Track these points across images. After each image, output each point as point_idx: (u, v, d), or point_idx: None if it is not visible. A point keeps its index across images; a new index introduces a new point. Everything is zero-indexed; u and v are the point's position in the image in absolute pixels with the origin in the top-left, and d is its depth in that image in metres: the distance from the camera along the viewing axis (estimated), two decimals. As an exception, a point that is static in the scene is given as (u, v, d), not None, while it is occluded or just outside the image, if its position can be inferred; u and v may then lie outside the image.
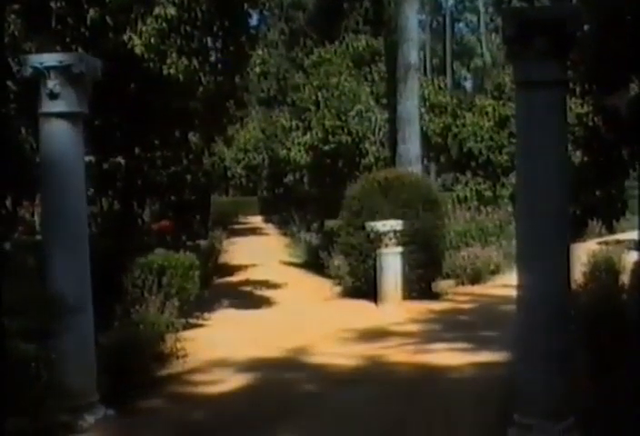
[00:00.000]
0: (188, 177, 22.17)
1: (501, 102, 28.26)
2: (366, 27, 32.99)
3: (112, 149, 14.77)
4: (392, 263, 15.28)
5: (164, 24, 12.62)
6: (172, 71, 12.91)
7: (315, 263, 20.78)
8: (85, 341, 7.17)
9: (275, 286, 18.06)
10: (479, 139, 27.68)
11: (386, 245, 15.22)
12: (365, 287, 15.93)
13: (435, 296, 16.06)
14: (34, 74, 7.16)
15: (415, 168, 21.49)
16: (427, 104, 27.14)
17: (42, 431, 6.11)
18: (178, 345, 10.10)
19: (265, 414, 8.15)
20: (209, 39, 14.79)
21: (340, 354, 10.74)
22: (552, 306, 6.32)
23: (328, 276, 18.50)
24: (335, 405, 8.48)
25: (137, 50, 12.45)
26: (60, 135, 7.14)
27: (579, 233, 22.22)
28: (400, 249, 15.32)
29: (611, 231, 24.82)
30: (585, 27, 9.97)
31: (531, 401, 6.41)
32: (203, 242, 21.72)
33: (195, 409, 8.46)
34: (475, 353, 10.62)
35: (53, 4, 12.06)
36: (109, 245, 11.64)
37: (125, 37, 12.53)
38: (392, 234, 15.19)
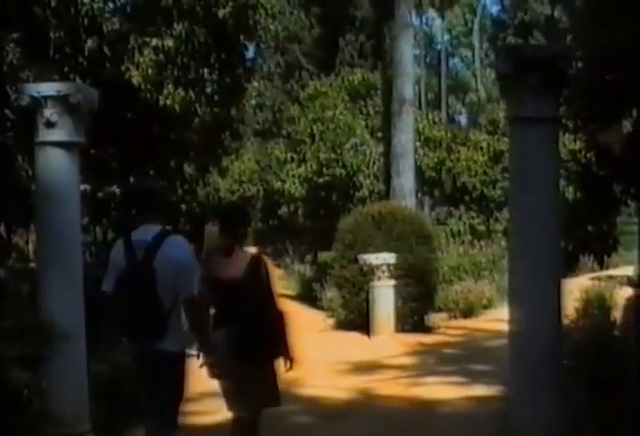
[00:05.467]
0: (183, 207, 22.21)
1: (495, 137, 28.38)
2: (361, 61, 33.30)
3: (107, 178, 14.82)
4: (385, 296, 15.28)
5: (161, 56, 12.73)
6: (168, 102, 13.01)
7: (308, 295, 20.77)
8: (77, 370, 7.13)
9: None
10: (473, 174, 27.76)
11: (379, 278, 15.23)
12: (357, 320, 15.92)
13: (427, 329, 16.03)
14: (31, 103, 7.16)
15: (409, 202, 21.54)
16: (422, 138, 27.27)
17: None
18: (170, 375, 10.06)
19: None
20: (206, 71, 14.92)
21: (333, 387, 10.72)
22: (543, 341, 6.33)
23: (321, 308, 18.48)
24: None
25: (134, 81, 12.56)
26: (56, 164, 7.14)
27: (572, 269, 22.25)
28: (393, 282, 15.33)
29: (602, 266, 24.86)
30: (579, 64, 10.08)
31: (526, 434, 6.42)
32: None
33: (186, 440, 8.42)
34: (469, 387, 10.61)
35: (51, 34, 12.16)
36: (103, 274, 11.61)
37: (123, 68, 12.64)
38: (385, 267, 15.21)
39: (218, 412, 8.16)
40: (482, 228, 26.19)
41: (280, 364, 6.41)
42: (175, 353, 5.99)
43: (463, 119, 69.11)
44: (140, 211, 6.18)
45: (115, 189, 15.17)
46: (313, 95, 28.02)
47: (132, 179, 15.29)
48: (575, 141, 24.31)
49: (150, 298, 5.81)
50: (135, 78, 12.58)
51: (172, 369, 5.99)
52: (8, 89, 11.22)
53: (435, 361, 12.89)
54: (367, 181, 25.35)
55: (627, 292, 12.52)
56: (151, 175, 14.89)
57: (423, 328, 16.01)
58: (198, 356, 6.21)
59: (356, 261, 15.74)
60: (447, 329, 16.42)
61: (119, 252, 6.09)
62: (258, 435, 6.55)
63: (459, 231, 25.32)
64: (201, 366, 6.24)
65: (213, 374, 6.34)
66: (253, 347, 6.13)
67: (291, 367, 6.39)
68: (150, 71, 12.62)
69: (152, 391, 6.07)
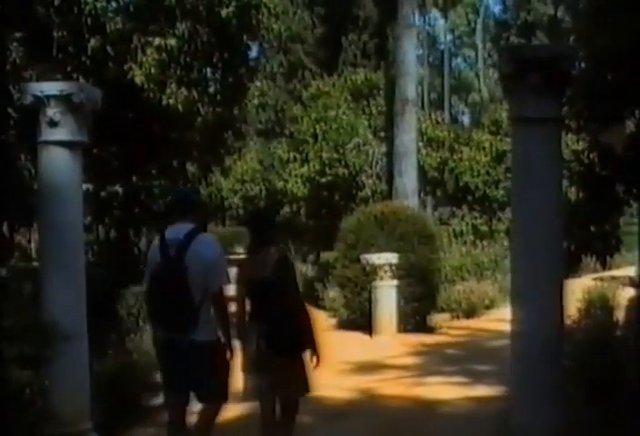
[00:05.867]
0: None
1: (498, 137, 28.35)
2: (364, 61, 33.28)
3: (110, 177, 14.83)
4: (387, 296, 15.27)
5: (164, 55, 12.74)
6: (171, 101, 13.02)
7: (310, 295, 20.73)
8: (79, 369, 7.14)
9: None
10: (476, 174, 27.72)
11: (382, 278, 15.23)
12: (359, 319, 15.91)
13: (429, 330, 16.03)
14: (34, 103, 7.17)
15: (412, 202, 21.56)
16: (425, 138, 27.26)
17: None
18: (171, 375, 10.05)
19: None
20: (208, 70, 14.93)
21: (335, 386, 10.69)
22: (545, 341, 6.34)
23: (323, 308, 18.47)
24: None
25: (137, 80, 12.56)
26: (59, 164, 7.15)
27: (574, 269, 22.23)
28: (395, 282, 15.33)
29: (605, 267, 24.84)
30: (582, 64, 10.08)
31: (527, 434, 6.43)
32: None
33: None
34: (471, 387, 10.61)
35: (54, 33, 12.17)
36: (105, 273, 11.64)
37: (126, 67, 12.65)
38: (387, 267, 15.20)
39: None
40: (484, 228, 26.17)
41: (308, 359, 6.85)
42: (206, 342, 6.40)
43: (465, 119, 69.15)
44: (179, 212, 6.59)
45: (118, 188, 15.17)
46: (315, 95, 28.01)
47: (134, 178, 15.32)
48: (577, 141, 24.27)
49: (182, 292, 6.22)
50: (138, 77, 12.58)
51: (207, 355, 6.42)
52: (11, 88, 11.23)
53: (438, 361, 12.88)
54: (370, 181, 25.35)
55: (630, 292, 12.51)
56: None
57: (425, 328, 16.00)
58: (226, 348, 6.61)
59: (359, 260, 15.73)
60: (450, 329, 16.41)
61: (154, 250, 6.54)
62: (294, 423, 6.96)
63: (462, 231, 25.31)
64: (230, 359, 6.65)
65: (245, 368, 6.81)
66: (282, 342, 6.58)
67: (317, 363, 6.85)
68: (153, 70, 12.63)
69: (180, 379, 6.52)
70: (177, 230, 6.43)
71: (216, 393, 6.56)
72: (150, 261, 6.55)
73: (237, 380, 6.85)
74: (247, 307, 6.80)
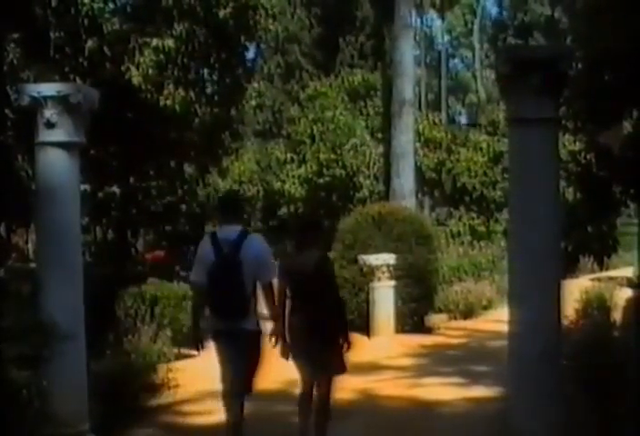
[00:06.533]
0: (183, 207, 22.24)
1: (495, 137, 28.37)
2: (361, 62, 33.30)
3: (107, 178, 14.83)
4: (384, 297, 15.26)
5: (161, 56, 12.75)
6: (168, 102, 13.02)
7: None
8: (76, 370, 7.14)
9: (265, 319, 17.96)
10: (473, 174, 27.74)
11: (379, 279, 15.21)
12: (357, 320, 15.85)
13: (427, 330, 15.99)
14: (31, 104, 7.17)
15: (409, 202, 21.55)
16: (422, 138, 27.27)
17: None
18: (170, 375, 10.02)
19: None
20: (206, 71, 14.94)
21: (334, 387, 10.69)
22: (543, 341, 6.34)
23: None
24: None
25: (135, 81, 12.57)
26: (56, 164, 7.15)
27: (571, 270, 22.23)
28: (393, 283, 15.31)
29: (602, 267, 24.86)
30: (579, 65, 10.09)
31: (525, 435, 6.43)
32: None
33: (185, 439, 8.43)
34: (469, 388, 10.59)
35: (52, 34, 12.17)
36: (103, 274, 11.63)
37: (123, 68, 12.65)
38: (385, 268, 15.18)
39: (218, 412, 8.20)
40: (482, 229, 26.18)
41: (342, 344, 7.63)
42: (254, 331, 7.16)
43: (463, 120, 69.16)
44: (227, 214, 7.27)
45: (115, 189, 15.18)
46: (313, 96, 28.04)
47: (132, 179, 15.32)
48: (575, 142, 24.30)
49: (237, 285, 6.96)
50: (136, 78, 12.59)
51: (250, 344, 7.12)
52: (8, 89, 11.22)
53: (435, 362, 12.87)
54: (367, 181, 25.36)
55: (627, 293, 12.51)
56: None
57: (423, 329, 15.97)
58: (271, 338, 7.41)
59: (356, 261, 15.69)
60: (447, 330, 16.38)
61: (206, 248, 7.17)
62: (330, 402, 7.64)
63: (459, 231, 25.31)
64: (274, 346, 7.45)
65: (286, 355, 7.58)
66: (320, 329, 7.32)
67: (349, 348, 7.65)
68: (150, 71, 12.64)
69: (235, 359, 7.13)
70: (227, 230, 7.11)
71: (243, 385, 7.17)
72: (202, 258, 7.16)
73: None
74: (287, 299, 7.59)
